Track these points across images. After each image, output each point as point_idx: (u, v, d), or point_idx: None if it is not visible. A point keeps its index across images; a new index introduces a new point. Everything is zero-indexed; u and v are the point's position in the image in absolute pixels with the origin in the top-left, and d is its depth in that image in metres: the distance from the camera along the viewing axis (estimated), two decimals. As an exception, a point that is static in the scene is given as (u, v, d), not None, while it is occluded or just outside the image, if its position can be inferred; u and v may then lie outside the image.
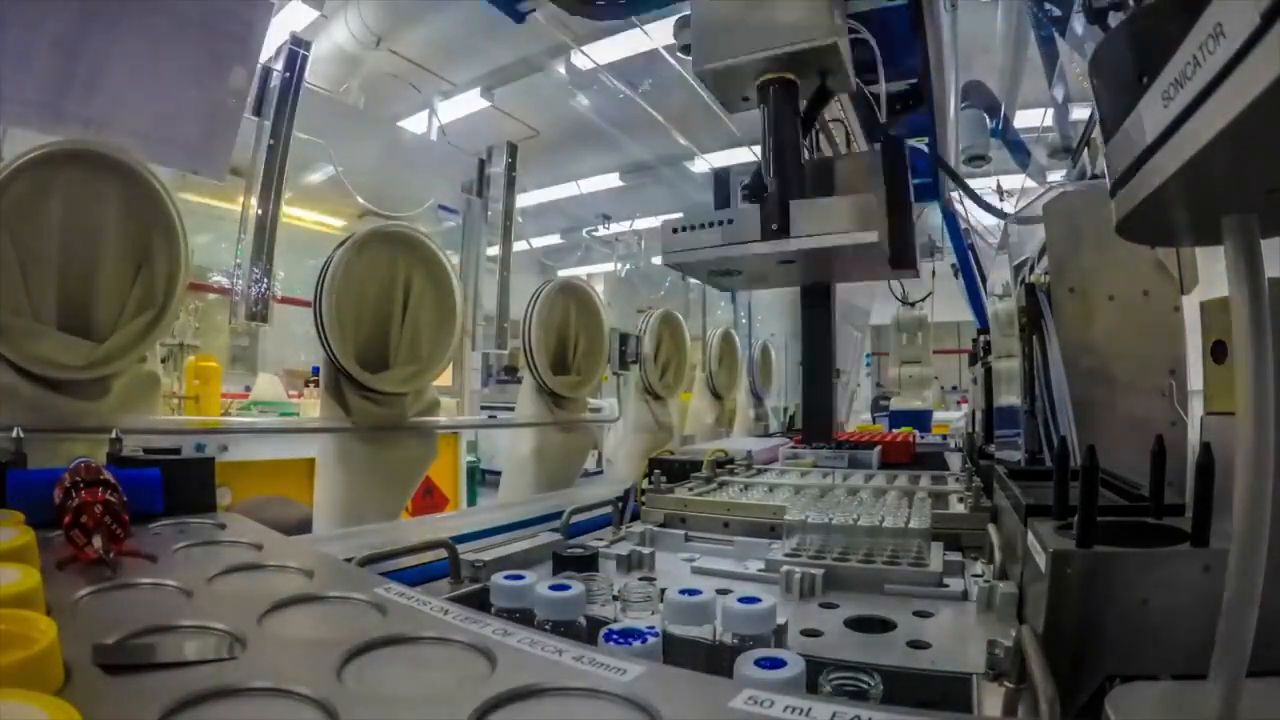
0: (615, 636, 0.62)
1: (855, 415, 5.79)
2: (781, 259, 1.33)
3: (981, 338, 2.74)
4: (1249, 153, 0.41)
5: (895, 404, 6.23)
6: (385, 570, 1.00)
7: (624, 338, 2.75)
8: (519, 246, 5.40)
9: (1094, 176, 1.97)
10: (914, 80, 1.96)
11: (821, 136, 2.20)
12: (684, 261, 1.37)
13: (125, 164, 1.35)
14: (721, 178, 1.81)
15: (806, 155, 1.66)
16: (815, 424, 2.19)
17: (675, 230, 1.34)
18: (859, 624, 0.90)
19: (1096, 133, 1.72)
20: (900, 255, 1.54)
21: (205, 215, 4.22)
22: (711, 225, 1.31)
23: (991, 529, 1.16)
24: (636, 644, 0.62)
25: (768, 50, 1.26)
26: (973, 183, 4.83)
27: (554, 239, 9.21)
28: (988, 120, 3.84)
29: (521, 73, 5.70)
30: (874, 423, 5.85)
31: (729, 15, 1.30)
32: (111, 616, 0.54)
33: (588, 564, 1.07)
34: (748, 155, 6.32)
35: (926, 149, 2.64)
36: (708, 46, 1.33)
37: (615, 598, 0.89)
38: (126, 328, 1.36)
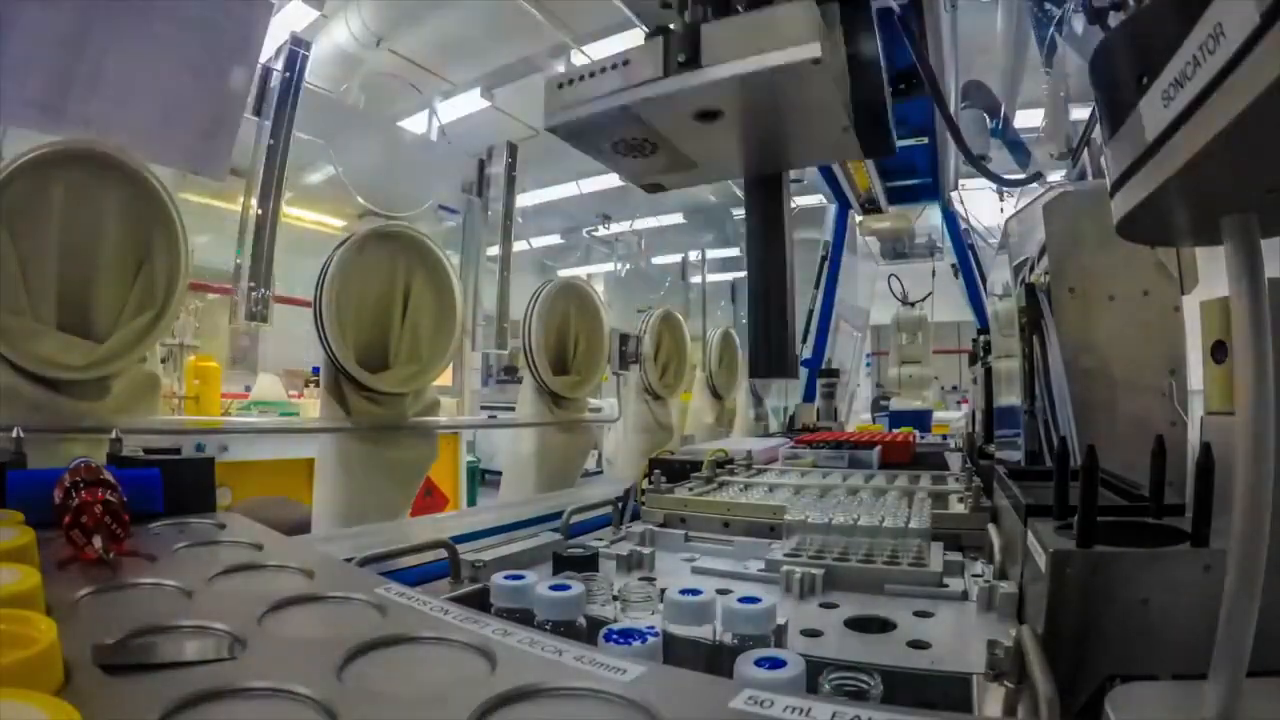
0: (615, 636, 0.62)
1: (855, 415, 5.79)
2: (699, 110, 0.92)
3: (981, 338, 2.74)
4: (1249, 153, 0.41)
5: (895, 404, 6.23)
6: (385, 570, 1.00)
7: (624, 338, 2.75)
8: (519, 246, 5.40)
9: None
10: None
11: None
12: (571, 124, 0.98)
13: (125, 164, 1.35)
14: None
15: None
16: (770, 352, 1.23)
17: (561, 85, 0.98)
18: (859, 624, 0.90)
19: (1096, 133, 1.72)
20: (873, 130, 1.05)
21: (205, 215, 4.22)
22: (605, 72, 0.93)
23: (991, 529, 1.16)
24: (636, 644, 0.62)
25: None
26: (972, 183, 4.84)
27: (554, 239, 9.21)
28: (988, 120, 3.84)
29: (521, 73, 5.70)
30: (874, 423, 5.85)
31: None
32: (111, 616, 0.54)
33: (588, 564, 1.06)
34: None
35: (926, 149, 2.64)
36: None
37: (615, 598, 0.89)
38: (126, 328, 1.36)
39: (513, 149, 4.54)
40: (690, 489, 1.59)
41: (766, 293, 1.18)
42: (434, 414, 1.99)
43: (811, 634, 0.87)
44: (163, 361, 4.43)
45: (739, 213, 8.04)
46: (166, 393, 4.27)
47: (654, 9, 1.06)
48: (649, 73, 0.90)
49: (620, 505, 1.47)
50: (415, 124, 5.92)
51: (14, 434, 0.93)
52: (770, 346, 1.15)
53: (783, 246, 1.22)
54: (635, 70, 0.92)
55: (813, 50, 0.83)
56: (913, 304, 6.24)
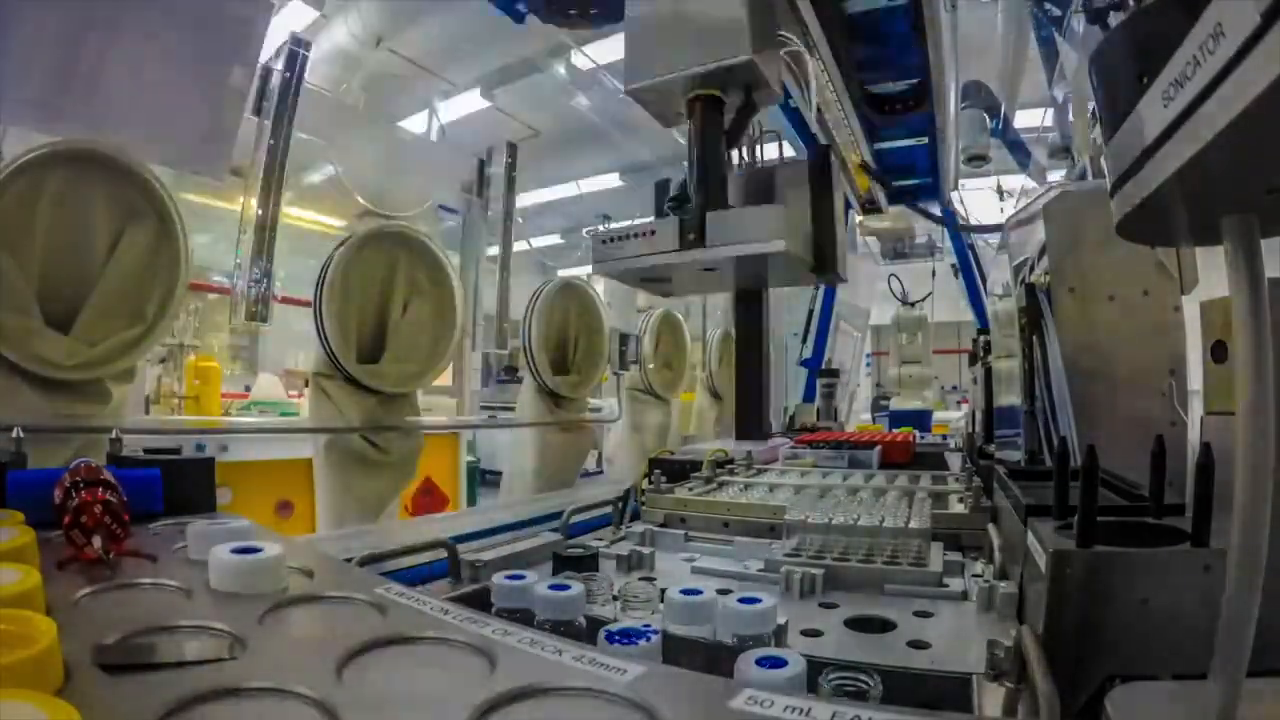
0: (615, 636, 0.62)
1: (855, 415, 5.78)
2: (703, 267, 1.36)
3: (981, 338, 2.74)
4: (1249, 153, 0.41)
5: (895, 404, 6.23)
6: (385, 570, 1.00)
7: (624, 338, 2.75)
8: (519, 246, 5.40)
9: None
10: (915, 80, 1.95)
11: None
12: (611, 272, 1.40)
13: (125, 164, 1.35)
14: (662, 187, 1.73)
15: (747, 160, 1.74)
16: (747, 418, 2.10)
17: (604, 241, 1.35)
18: (859, 624, 0.90)
19: (1096, 132, 1.72)
20: (823, 260, 1.55)
21: (205, 215, 4.22)
22: (636, 236, 1.32)
23: (991, 529, 1.16)
24: (636, 644, 0.62)
25: (691, 69, 1.29)
26: (972, 183, 4.84)
27: (554, 239, 9.21)
28: (988, 120, 3.84)
29: (521, 73, 5.70)
30: (874, 423, 5.85)
31: (656, 36, 1.33)
32: (111, 616, 0.54)
33: (588, 564, 1.06)
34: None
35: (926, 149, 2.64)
36: (636, 65, 1.36)
37: (615, 598, 0.89)
38: (122, 332, 1.36)
39: (513, 149, 4.55)
40: (690, 489, 1.59)
41: (747, 367, 1.69)
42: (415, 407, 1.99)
43: (811, 634, 0.87)
44: (162, 361, 4.43)
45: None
46: (166, 393, 4.27)
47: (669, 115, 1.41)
48: (669, 245, 1.31)
49: (620, 505, 1.47)
50: (415, 124, 5.92)
51: (14, 434, 0.93)
52: (747, 412, 1.66)
53: (760, 335, 1.79)
54: (660, 241, 1.31)
55: (778, 245, 1.26)
56: (913, 304, 6.25)
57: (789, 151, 2.31)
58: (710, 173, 1.35)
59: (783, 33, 1.42)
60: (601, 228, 8.98)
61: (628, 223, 1.32)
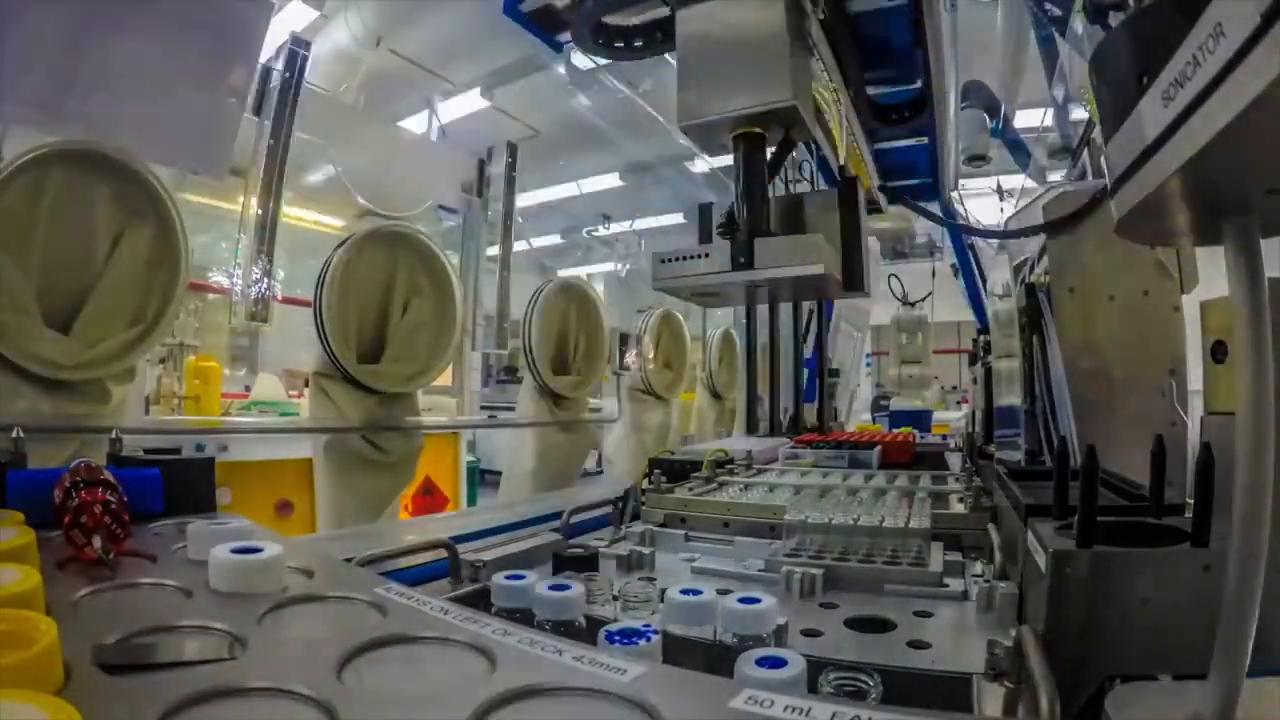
0: (615, 636, 0.62)
1: (855, 415, 5.78)
2: (749, 285, 1.58)
3: (981, 338, 2.74)
4: (1249, 153, 0.41)
5: (895, 404, 6.24)
6: (385, 570, 1.00)
7: (624, 338, 2.76)
8: (519, 246, 5.40)
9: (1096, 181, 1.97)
10: (917, 87, 1.98)
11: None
12: (669, 287, 1.62)
13: (125, 164, 1.35)
14: (705, 210, 1.99)
15: (782, 189, 1.85)
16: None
17: (663, 261, 1.57)
18: (859, 624, 0.90)
19: (1096, 133, 1.72)
20: (850, 279, 1.84)
21: (205, 215, 4.22)
22: (693, 258, 1.55)
23: (991, 529, 1.16)
24: (638, 644, 0.62)
25: (738, 110, 1.47)
26: (972, 182, 4.83)
27: (554, 239, 9.21)
28: (988, 120, 3.84)
29: (521, 73, 5.69)
30: (874, 423, 5.85)
31: (707, 80, 1.53)
32: (111, 616, 0.54)
33: (588, 564, 1.06)
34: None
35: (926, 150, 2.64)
36: (688, 105, 1.56)
37: (615, 598, 0.89)
38: (122, 333, 1.36)
39: (513, 149, 4.54)
40: (690, 489, 1.58)
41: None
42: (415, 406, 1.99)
43: (811, 634, 0.87)
44: (162, 362, 4.43)
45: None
46: (166, 393, 4.27)
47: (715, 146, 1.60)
48: (721, 265, 1.50)
49: (620, 505, 1.47)
50: (415, 124, 5.92)
51: (14, 434, 0.93)
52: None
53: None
54: (713, 263, 1.50)
55: (818, 269, 1.43)
56: (913, 304, 6.24)
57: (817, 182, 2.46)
58: (755, 203, 1.52)
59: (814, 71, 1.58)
60: (601, 229, 8.92)
61: (682, 247, 1.56)
